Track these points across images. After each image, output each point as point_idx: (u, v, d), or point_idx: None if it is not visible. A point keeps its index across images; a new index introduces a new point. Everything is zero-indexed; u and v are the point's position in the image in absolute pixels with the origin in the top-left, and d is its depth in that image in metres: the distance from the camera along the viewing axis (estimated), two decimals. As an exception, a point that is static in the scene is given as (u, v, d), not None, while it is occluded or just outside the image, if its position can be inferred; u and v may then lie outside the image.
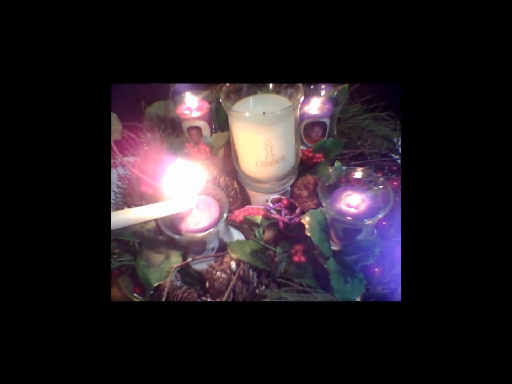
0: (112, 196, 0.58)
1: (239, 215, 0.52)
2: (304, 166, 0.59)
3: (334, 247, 0.49)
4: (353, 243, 0.47)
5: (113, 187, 0.59)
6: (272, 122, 0.46)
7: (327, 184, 0.49)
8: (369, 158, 0.67)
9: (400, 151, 0.67)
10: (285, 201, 0.53)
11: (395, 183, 0.57)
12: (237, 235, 0.55)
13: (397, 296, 0.44)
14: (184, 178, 0.46)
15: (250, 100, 0.51)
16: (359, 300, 0.44)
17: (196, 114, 0.66)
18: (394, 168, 0.65)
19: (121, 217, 0.43)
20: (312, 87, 0.68)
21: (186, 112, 0.66)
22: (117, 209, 0.57)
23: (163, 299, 0.45)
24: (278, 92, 0.51)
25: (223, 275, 0.46)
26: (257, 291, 0.47)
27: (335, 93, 0.68)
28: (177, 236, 0.47)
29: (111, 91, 0.38)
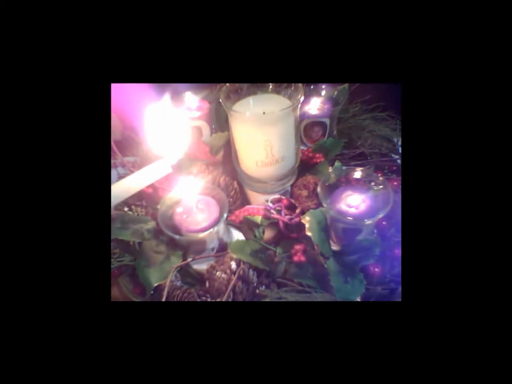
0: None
1: (239, 215, 0.52)
2: (304, 166, 0.59)
3: (334, 247, 0.49)
4: (353, 243, 0.47)
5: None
6: (272, 122, 0.46)
7: (327, 184, 0.49)
8: (369, 158, 0.67)
9: (400, 151, 0.67)
10: (285, 201, 0.53)
11: (395, 183, 0.57)
12: (237, 235, 0.55)
13: (397, 296, 0.44)
14: (163, 121, 0.46)
15: (250, 100, 0.51)
16: (359, 300, 0.44)
17: (196, 114, 0.65)
18: (394, 168, 0.65)
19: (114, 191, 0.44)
20: (312, 87, 0.68)
21: (186, 112, 0.66)
22: (117, 209, 0.57)
23: (163, 299, 0.45)
24: (278, 92, 0.51)
25: (223, 275, 0.46)
26: (257, 291, 0.47)
27: (335, 93, 0.68)
28: (177, 236, 0.47)
29: (111, 91, 0.38)
